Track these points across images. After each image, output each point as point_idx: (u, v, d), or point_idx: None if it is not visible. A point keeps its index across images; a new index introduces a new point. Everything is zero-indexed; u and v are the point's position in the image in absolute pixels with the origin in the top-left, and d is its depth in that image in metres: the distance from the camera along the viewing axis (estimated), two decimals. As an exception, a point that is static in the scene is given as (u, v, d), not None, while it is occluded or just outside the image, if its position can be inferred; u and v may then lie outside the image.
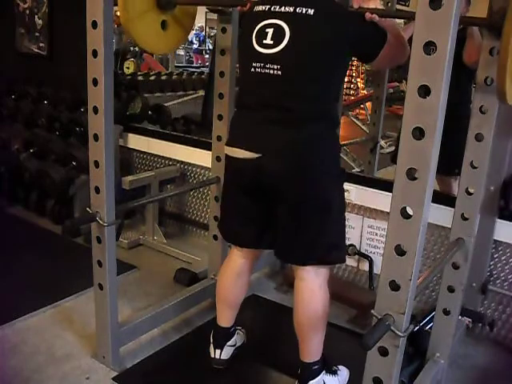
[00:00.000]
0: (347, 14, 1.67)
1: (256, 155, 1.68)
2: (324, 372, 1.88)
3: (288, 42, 1.62)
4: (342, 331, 2.36)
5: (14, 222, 3.51)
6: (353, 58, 1.87)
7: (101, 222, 1.86)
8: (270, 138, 1.68)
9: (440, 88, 1.15)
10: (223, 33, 2.26)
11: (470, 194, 1.80)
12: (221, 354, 2.04)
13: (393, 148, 3.98)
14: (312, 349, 1.85)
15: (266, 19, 1.67)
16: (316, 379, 1.85)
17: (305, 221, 1.74)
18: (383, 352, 1.36)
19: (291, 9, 1.63)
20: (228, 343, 2.05)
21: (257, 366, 2.14)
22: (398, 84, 6.43)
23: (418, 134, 1.19)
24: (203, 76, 6.51)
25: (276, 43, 1.64)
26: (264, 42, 1.66)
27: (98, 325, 2.04)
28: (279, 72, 1.64)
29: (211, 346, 2.06)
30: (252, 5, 1.79)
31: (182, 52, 10.75)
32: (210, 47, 10.17)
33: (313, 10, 1.61)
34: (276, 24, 1.65)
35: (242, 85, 1.83)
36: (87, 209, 1.91)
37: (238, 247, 1.98)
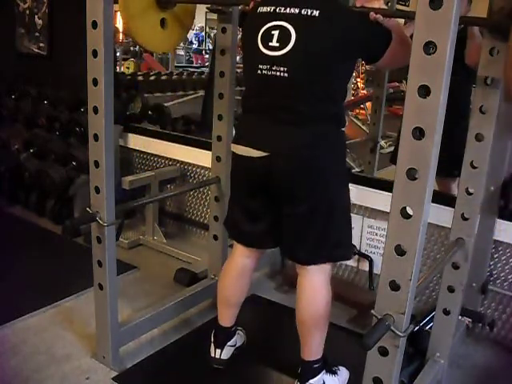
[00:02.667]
0: (351, 14, 1.68)
1: (264, 154, 1.69)
2: (324, 371, 1.88)
3: (294, 44, 1.63)
4: (342, 331, 2.35)
5: (13, 222, 3.51)
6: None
7: (101, 221, 1.86)
8: (278, 138, 1.69)
9: (440, 88, 1.15)
10: (223, 33, 2.26)
11: (469, 193, 1.80)
12: (221, 353, 2.04)
13: (393, 148, 3.98)
14: (313, 347, 1.85)
15: (272, 21, 1.68)
16: (316, 378, 1.85)
17: (310, 220, 1.75)
18: (383, 352, 1.36)
19: (296, 10, 1.64)
20: (228, 343, 2.05)
21: (257, 365, 2.14)
22: (397, 84, 6.43)
23: (418, 134, 1.20)
24: (203, 76, 6.51)
25: (282, 45, 1.64)
26: (270, 44, 1.67)
27: (98, 325, 2.04)
28: (286, 74, 1.65)
29: (211, 345, 2.05)
30: (255, 5, 1.79)
31: (181, 52, 10.76)
32: (210, 47, 10.17)
33: (318, 12, 1.61)
34: (281, 26, 1.65)
35: (247, 87, 1.84)
36: (87, 209, 1.91)
37: (242, 246, 1.98)
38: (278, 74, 1.66)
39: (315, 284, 1.82)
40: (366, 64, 1.82)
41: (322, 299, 1.81)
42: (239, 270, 1.99)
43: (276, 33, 1.66)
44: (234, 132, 2.11)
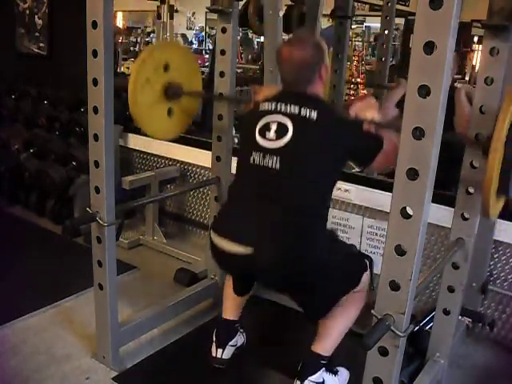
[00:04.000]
0: (347, 122, 1.78)
1: (247, 250, 1.67)
2: (324, 369, 1.88)
3: (290, 139, 1.69)
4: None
5: (14, 221, 3.51)
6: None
7: (101, 221, 1.86)
8: (262, 232, 1.68)
9: (440, 88, 1.15)
10: (223, 33, 2.26)
11: (469, 193, 1.80)
12: (222, 353, 2.04)
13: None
14: (329, 343, 1.86)
15: (272, 115, 1.75)
16: (315, 375, 1.86)
17: (306, 295, 1.80)
18: (383, 352, 1.36)
19: (296, 109, 1.71)
20: (230, 343, 2.06)
21: (257, 365, 2.14)
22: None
23: (418, 134, 1.20)
24: (203, 76, 6.51)
25: (278, 138, 1.70)
26: (267, 135, 1.72)
27: (98, 325, 2.04)
28: (277, 166, 1.69)
29: (213, 344, 2.06)
30: (258, 103, 1.86)
31: (181, 52, 10.75)
32: (210, 47, 10.17)
33: (316, 114, 1.69)
34: (280, 121, 1.72)
35: (238, 175, 1.87)
36: (87, 209, 1.91)
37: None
38: (269, 165, 1.70)
39: (340, 308, 1.83)
40: (357, 167, 1.96)
41: (350, 306, 1.85)
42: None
43: (274, 126, 1.72)
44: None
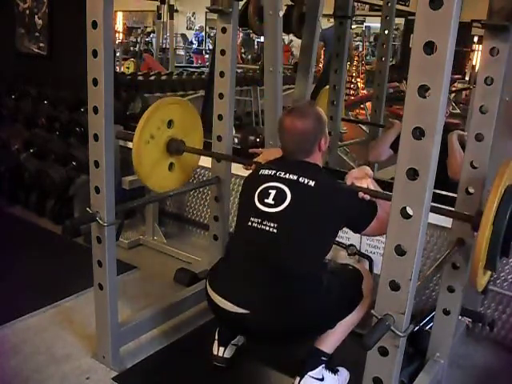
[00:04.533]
0: (343, 191, 1.84)
1: (242, 311, 1.73)
2: (324, 366, 1.89)
3: (288, 205, 1.76)
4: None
5: (13, 221, 3.51)
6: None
7: (101, 221, 1.86)
8: (258, 295, 1.73)
9: (440, 88, 1.15)
10: (223, 33, 2.26)
11: (469, 193, 1.80)
12: (224, 352, 2.04)
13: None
14: (333, 340, 1.88)
15: (271, 182, 1.83)
16: (315, 371, 1.87)
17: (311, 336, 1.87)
18: (383, 352, 1.36)
19: (295, 177, 1.80)
20: (233, 341, 2.07)
21: (257, 365, 2.14)
22: (397, 84, 6.44)
23: (418, 134, 1.20)
24: (203, 76, 6.51)
25: (277, 204, 1.77)
26: (265, 200, 1.80)
27: (98, 325, 2.04)
28: (275, 230, 1.75)
29: (215, 343, 2.06)
30: (257, 167, 1.97)
31: (182, 52, 10.77)
32: (210, 47, 10.17)
33: (313, 183, 1.77)
34: (279, 187, 1.80)
35: (236, 233, 1.93)
36: (87, 209, 1.91)
37: None
38: (267, 228, 1.76)
39: (342, 326, 1.86)
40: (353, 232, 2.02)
41: (354, 320, 1.88)
42: None
43: (273, 192, 1.80)
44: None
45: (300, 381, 1.85)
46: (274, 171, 1.85)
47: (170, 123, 2.24)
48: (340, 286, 1.85)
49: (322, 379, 1.88)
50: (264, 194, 1.81)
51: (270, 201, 1.79)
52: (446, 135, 2.49)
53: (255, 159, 2.16)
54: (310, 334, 1.86)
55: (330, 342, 1.88)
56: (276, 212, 1.77)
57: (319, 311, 1.77)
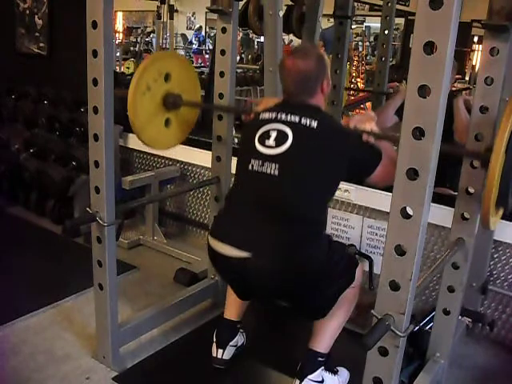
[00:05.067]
0: (347, 133, 1.78)
1: (244, 254, 1.66)
2: (323, 368, 1.88)
3: (289, 147, 1.70)
4: (342, 331, 2.34)
5: (13, 221, 3.50)
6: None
7: (101, 222, 1.86)
8: (260, 237, 1.69)
9: (440, 88, 1.15)
10: (223, 33, 2.26)
11: (469, 193, 1.80)
12: (223, 353, 2.04)
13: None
14: (325, 338, 1.87)
15: (272, 123, 1.76)
16: (315, 374, 1.86)
17: (302, 303, 1.80)
18: (383, 352, 1.36)
19: (297, 119, 1.72)
20: (231, 343, 2.06)
21: (257, 366, 2.14)
22: (397, 84, 6.42)
23: (418, 134, 1.20)
24: (203, 76, 6.51)
25: (277, 145, 1.71)
26: (266, 142, 1.74)
27: (98, 325, 2.04)
28: (276, 173, 1.69)
29: (214, 345, 2.06)
30: (256, 115, 1.88)
31: (182, 52, 10.76)
32: (210, 47, 10.16)
33: (316, 123, 1.71)
34: (280, 129, 1.73)
35: (237, 181, 1.88)
36: (87, 209, 1.91)
37: None
38: (268, 171, 1.70)
39: (332, 319, 1.86)
40: (356, 180, 1.94)
41: (344, 313, 1.88)
42: None
43: (274, 134, 1.74)
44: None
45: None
46: (274, 114, 1.78)
47: (167, 77, 2.14)
48: (340, 254, 1.84)
49: (321, 382, 1.87)
50: (265, 137, 1.75)
51: (270, 142, 1.72)
52: (451, 100, 2.48)
53: (255, 108, 2.06)
54: (307, 294, 1.75)
55: (323, 341, 1.87)
56: (277, 153, 1.70)
57: (319, 263, 1.70)
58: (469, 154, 1.73)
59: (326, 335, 1.87)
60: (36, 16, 4.25)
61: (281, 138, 1.72)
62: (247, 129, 1.91)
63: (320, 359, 1.87)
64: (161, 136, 2.23)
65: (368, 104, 5.64)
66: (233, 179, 1.94)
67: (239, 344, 2.11)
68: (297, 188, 1.71)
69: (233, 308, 2.09)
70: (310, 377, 1.85)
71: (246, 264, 1.67)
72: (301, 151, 1.71)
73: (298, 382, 1.87)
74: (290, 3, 3.01)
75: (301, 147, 1.71)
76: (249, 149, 1.79)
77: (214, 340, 2.06)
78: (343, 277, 1.83)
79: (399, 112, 2.81)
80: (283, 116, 1.75)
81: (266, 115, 1.80)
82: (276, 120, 1.76)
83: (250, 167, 1.75)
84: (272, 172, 1.70)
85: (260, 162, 1.73)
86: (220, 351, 2.04)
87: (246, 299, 2.06)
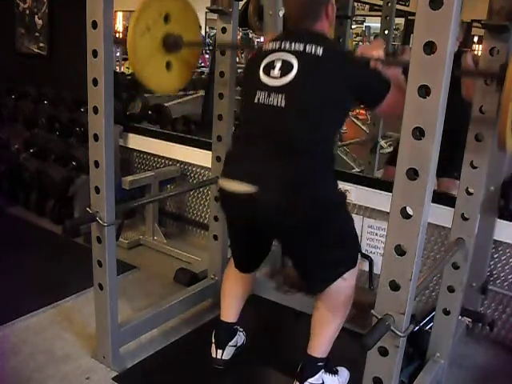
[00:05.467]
0: (354, 60, 1.74)
1: (252, 188, 1.62)
2: (323, 371, 1.88)
3: (295, 76, 1.64)
4: (342, 331, 2.34)
5: (13, 221, 3.50)
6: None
7: (101, 222, 1.85)
8: (267, 172, 1.64)
9: (440, 88, 1.15)
10: (223, 33, 2.26)
11: (470, 193, 1.80)
12: (222, 354, 2.04)
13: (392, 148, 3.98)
14: (322, 343, 1.86)
15: (276, 53, 1.70)
16: (315, 377, 1.86)
17: (306, 253, 1.75)
18: (383, 352, 1.36)
19: (301, 47, 1.66)
20: (230, 343, 2.06)
21: (257, 366, 2.14)
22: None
23: (418, 134, 1.20)
24: (203, 76, 6.51)
25: (283, 75, 1.66)
26: (271, 73, 1.68)
27: (98, 325, 2.04)
28: (283, 104, 1.64)
29: (213, 345, 2.06)
30: (260, 47, 1.83)
31: (181, 52, 10.75)
32: (210, 47, 10.15)
33: (321, 50, 1.64)
34: (285, 59, 1.67)
35: (243, 116, 1.83)
36: (87, 209, 1.91)
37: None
38: (274, 103, 1.65)
39: (330, 305, 1.84)
40: (365, 109, 1.89)
41: (343, 307, 1.86)
42: (239, 280, 2.07)
43: (279, 64, 1.67)
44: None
45: None
46: (278, 44, 1.71)
47: (166, 18, 2.06)
48: (348, 220, 1.83)
49: (321, 383, 1.88)
50: (269, 67, 1.69)
51: (275, 73, 1.66)
52: (459, 55, 2.47)
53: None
54: (308, 243, 1.71)
55: (321, 345, 1.86)
56: (283, 84, 1.64)
57: (323, 203, 1.66)
58: (483, 74, 1.68)
59: (323, 340, 1.86)
60: (36, 16, 4.25)
61: (286, 67, 1.65)
62: (251, 62, 1.84)
63: (319, 364, 1.86)
64: (163, 80, 2.16)
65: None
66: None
67: (239, 344, 2.11)
68: (303, 119, 1.65)
69: (228, 309, 2.08)
70: (310, 380, 1.85)
71: (254, 199, 1.62)
72: (306, 80, 1.64)
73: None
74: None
75: (306, 76, 1.64)
76: (254, 81, 1.72)
77: (213, 341, 2.06)
78: (345, 248, 1.81)
79: (405, 71, 2.80)
80: (287, 45, 1.68)
81: (270, 46, 1.74)
82: (280, 49, 1.69)
83: (257, 100, 1.69)
84: (278, 104, 1.64)
85: (266, 93, 1.67)
86: (219, 351, 2.04)
87: (247, 267, 2.02)
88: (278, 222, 1.68)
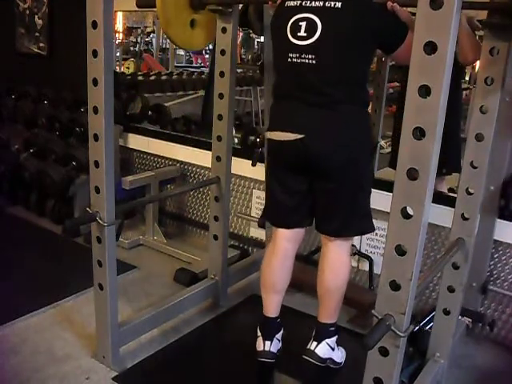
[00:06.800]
0: (371, 6, 1.83)
1: (298, 136, 1.82)
2: (337, 337, 2.01)
3: (320, 34, 1.78)
4: (342, 331, 2.34)
5: (13, 221, 3.51)
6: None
7: (101, 221, 1.85)
8: (310, 120, 1.83)
9: (440, 88, 1.15)
10: (223, 33, 2.26)
11: (470, 193, 1.80)
12: (270, 345, 2.04)
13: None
14: (331, 310, 1.99)
15: (299, 13, 1.82)
16: (332, 339, 1.98)
17: (342, 195, 1.90)
18: (384, 352, 1.36)
19: (321, 3, 1.79)
20: (277, 335, 2.07)
21: (257, 366, 2.13)
22: (398, 84, 6.41)
23: (418, 134, 1.20)
24: (203, 76, 6.50)
25: (309, 35, 1.79)
26: (298, 34, 1.82)
27: (98, 325, 2.04)
28: (314, 61, 1.79)
29: (259, 339, 2.05)
30: (281, 3, 1.93)
31: (182, 52, 10.75)
32: (210, 47, 10.16)
33: (340, 3, 1.76)
34: (308, 18, 1.81)
35: (278, 75, 2.00)
36: (87, 209, 1.91)
37: (283, 230, 2.06)
38: (306, 61, 1.81)
39: (340, 255, 1.98)
40: (384, 53, 2.02)
41: (346, 268, 1.99)
42: (283, 254, 2.07)
43: (303, 24, 1.81)
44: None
45: (318, 345, 1.96)
46: (299, 1, 1.84)
47: None
48: (370, 172, 2.04)
49: (333, 349, 1.99)
50: (295, 28, 1.82)
51: (302, 33, 1.80)
52: None
53: None
54: (342, 184, 1.88)
55: (331, 312, 1.99)
56: (310, 43, 1.79)
57: (360, 146, 1.87)
58: (495, 7, 1.69)
59: (332, 308, 1.99)
60: (36, 16, 4.25)
61: (310, 27, 1.79)
62: (276, 20, 1.96)
63: (331, 328, 1.99)
64: (186, 36, 2.26)
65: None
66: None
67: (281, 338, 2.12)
68: (333, 71, 1.80)
69: (271, 303, 2.09)
70: (327, 340, 1.96)
71: (300, 145, 1.83)
72: (332, 34, 1.78)
73: (315, 343, 1.96)
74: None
75: (331, 30, 1.78)
76: (284, 43, 1.86)
77: (259, 334, 2.06)
78: (366, 199, 1.97)
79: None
80: (308, 2, 1.81)
81: (292, 3, 1.86)
82: (302, 8, 1.82)
83: (290, 60, 1.84)
84: (310, 61, 1.80)
85: (297, 54, 1.82)
86: (267, 343, 2.03)
87: (290, 218, 2.04)
88: (321, 163, 1.85)
